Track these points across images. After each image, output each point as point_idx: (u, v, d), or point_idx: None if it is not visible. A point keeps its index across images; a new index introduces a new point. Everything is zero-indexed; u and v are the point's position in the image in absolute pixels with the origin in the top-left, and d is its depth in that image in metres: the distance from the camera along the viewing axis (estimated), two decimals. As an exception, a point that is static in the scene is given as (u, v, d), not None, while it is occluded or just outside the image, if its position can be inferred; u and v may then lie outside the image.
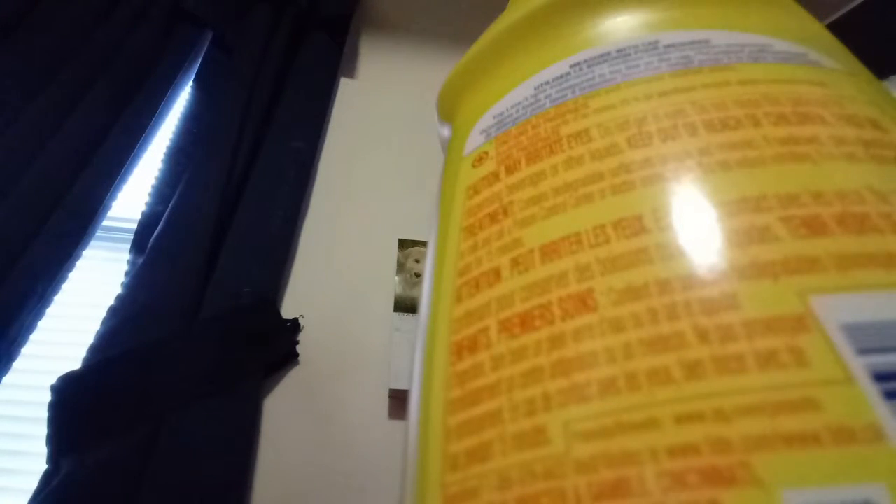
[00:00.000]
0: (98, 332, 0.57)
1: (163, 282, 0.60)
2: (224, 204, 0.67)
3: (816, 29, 0.16)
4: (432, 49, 0.97)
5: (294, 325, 0.64)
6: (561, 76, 0.16)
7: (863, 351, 0.08)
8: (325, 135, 0.82)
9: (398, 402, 0.63)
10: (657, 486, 0.08)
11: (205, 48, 0.84)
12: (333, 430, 0.61)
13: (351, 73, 0.92)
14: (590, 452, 0.08)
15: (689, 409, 0.08)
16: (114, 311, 0.58)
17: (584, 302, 0.10)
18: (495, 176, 0.15)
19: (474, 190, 0.15)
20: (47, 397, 0.52)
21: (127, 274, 0.63)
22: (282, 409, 0.60)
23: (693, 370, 0.08)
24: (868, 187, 0.10)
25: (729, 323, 0.09)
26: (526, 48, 0.18)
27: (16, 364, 0.57)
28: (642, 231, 0.11)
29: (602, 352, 0.09)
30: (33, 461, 0.55)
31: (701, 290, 0.09)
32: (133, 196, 0.73)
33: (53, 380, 0.52)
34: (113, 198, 0.69)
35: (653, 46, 0.15)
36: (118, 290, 0.60)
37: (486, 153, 0.16)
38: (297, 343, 0.64)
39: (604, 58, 0.15)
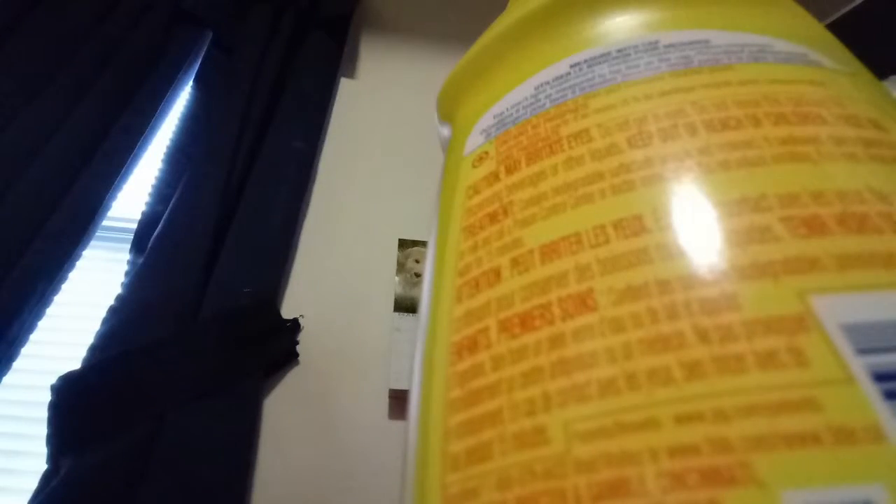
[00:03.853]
0: (98, 332, 0.57)
1: (163, 282, 0.60)
2: (224, 204, 0.67)
3: (816, 29, 0.16)
4: (432, 49, 0.97)
5: (294, 325, 0.64)
6: (561, 76, 0.16)
7: (863, 351, 0.08)
8: (325, 135, 0.82)
9: (398, 402, 0.63)
10: (657, 486, 0.08)
11: (205, 48, 0.84)
12: (333, 430, 0.60)
13: (351, 73, 0.92)
14: (590, 452, 0.08)
15: (689, 409, 0.08)
16: (114, 311, 0.58)
17: (584, 302, 0.10)
18: (495, 176, 0.15)
19: (474, 190, 0.15)
20: (47, 397, 0.52)
21: (127, 274, 0.63)
22: (282, 409, 0.60)
23: (693, 370, 0.08)
24: (868, 187, 0.10)
25: (729, 323, 0.09)
26: (526, 48, 0.18)
27: (16, 364, 0.57)
28: (642, 231, 0.11)
29: (602, 352, 0.09)
30: (33, 461, 0.55)
31: (701, 290, 0.09)
32: (133, 196, 0.73)
33: (53, 380, 0.52)
34: (113, 198, 0.69)
35: (653, 46, 0.15)
36: (118, 290, 0.60)
37: (487, 153, 0.16)
38: (297, 343, 0.64)
39: (604, 58, 0.15)
